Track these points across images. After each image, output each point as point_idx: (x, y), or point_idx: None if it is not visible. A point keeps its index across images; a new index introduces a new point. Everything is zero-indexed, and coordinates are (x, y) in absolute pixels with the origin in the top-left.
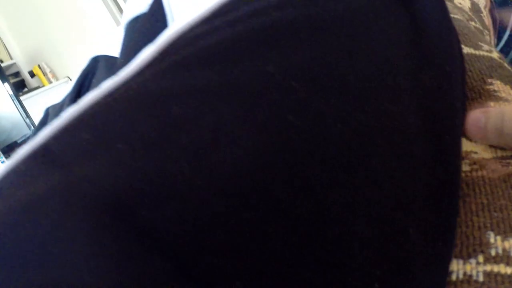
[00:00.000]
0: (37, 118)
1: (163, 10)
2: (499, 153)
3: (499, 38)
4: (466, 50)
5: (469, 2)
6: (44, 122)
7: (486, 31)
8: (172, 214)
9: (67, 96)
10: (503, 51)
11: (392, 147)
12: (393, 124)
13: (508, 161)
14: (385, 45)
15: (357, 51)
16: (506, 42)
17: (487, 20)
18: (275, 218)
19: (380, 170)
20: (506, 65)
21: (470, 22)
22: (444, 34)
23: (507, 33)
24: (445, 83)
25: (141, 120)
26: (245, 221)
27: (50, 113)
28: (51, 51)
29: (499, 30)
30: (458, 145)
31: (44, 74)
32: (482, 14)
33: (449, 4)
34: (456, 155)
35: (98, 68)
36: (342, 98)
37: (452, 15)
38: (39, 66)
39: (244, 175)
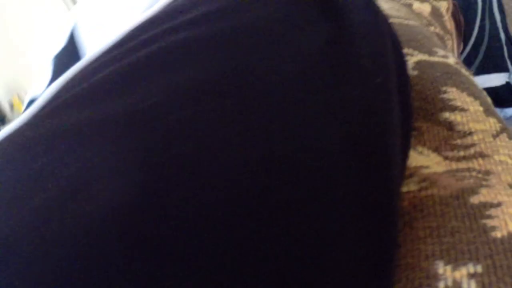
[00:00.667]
0: None
1: (75, 45)
2: (454, 165)
3: (465, 41)
4: (419, 57)
5: (429, 6)
6: None
7: (448, 36)
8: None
9: None
10: (471, 55)
11: (310, 187)
12: (309, 156)
13: (463, 174)
14: (299, 59)
15: (264, 67)
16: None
17: (449, 24)
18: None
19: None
20: (463, 71)
21: (429, 27)
22: (373, 41)
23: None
24: (374, 96)
25: (3, 175)
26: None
27: None
28: (30, 80)
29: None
30: (391, 165)
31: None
32: (443, 19)
33: (405, 10)
34: (389, 177)
35: None
36: (239, 124)
37: (405, 21)
38: (18, 96)
39: (108, 224)
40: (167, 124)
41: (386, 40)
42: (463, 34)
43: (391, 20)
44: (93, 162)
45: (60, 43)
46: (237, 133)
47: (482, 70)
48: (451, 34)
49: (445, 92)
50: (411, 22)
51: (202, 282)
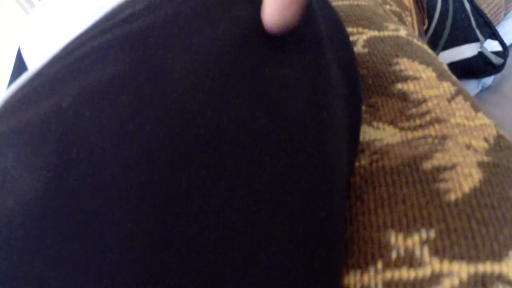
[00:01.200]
0: None
1: (24, 64)
2: (410, 135)
3: (430, 16)
4: (369, 34)
5: None
6: None
7: (406, 12)
8: None
9: None
10: (437, 30)
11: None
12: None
13: (418, 141)
14: (214, 49)
15: (170, 61)
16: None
17: (408, 0)
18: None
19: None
20: (415, 41)
21: (385, 6)
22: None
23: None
24: (303, 74)
25: None
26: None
27: None
28: None
29: None
30: (329, 162)
31: None
32: None
33: None
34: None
35: None
36: (130, 124)
37: (355, 2)
38: None
39: (18, 222)
40: (73, 125)
41: (317, 20)
42: (427, 9)
43: (339, 3)
44: (12, 164)
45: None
46: (127, 131)
47: (452, 43)
48: (409, 11)
49: (396, 63)
50: (361, 2)
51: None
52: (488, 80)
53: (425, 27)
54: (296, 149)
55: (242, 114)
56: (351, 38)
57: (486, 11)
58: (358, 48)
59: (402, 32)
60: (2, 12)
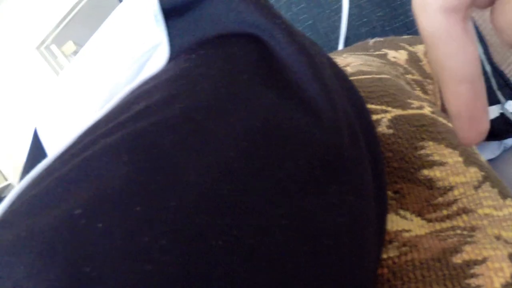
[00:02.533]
0: None
1: (41, 145)
2: (437, 226)
3: None
4: (393, 112)
5: (405, 53)
6: None
7: (428, 80)
8: None
9: None
10: None
11: None
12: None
13: (447, 233)
14: (226, 147)
15: (182, 164)
16: None
17: (429, 67)
18: None
19: None
20: (440, 119)
21: (406, 76)
22: (322, 115)
23: None
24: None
25: None
26: None
27: None
28: None
29: None
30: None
31: None
32: (421, 63)
33: (378, 62)
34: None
35: None
36: (144, 238)
37: (376, 76)
38: None
39: None
40: (86, 236)
41: (337, 112)
42: None
43: (361, 77)
44: (24, 276)
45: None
46: (141, 246)
47: None
48: (431, 78)
49: (422, 147)
50: (384, 76)
51: None
52: (510, 141)
53: None
54: (315, 251)
55: (260, 221)
56: (375, 117)
57: (506, 72)
58: (383, 128)
59: (427, 110)
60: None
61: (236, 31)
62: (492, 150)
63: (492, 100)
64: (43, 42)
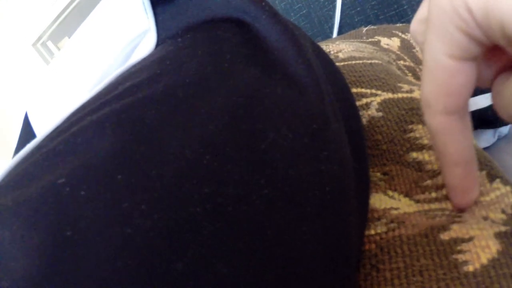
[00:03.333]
0: None
1: (31, 129)
2: (426, 206)
3: None
4: (383, 96)
5: (398, 40)
6: None
7: (421, 66)
8: None
9: None
10: None
11: None
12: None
13: (435, 213)
14: (210, 121)
15: (167, 136)
16: None
17: (422, 55)
18: None
19: None
20: None
21: (398, 62)
22: (303, 94)
23: None
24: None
25: None
26: None
27: None
28: None
29: None
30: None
31: None
32: (414, 50)
33: (371, 48)
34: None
35: None
36: (125, 202)
37: (368, 61)
38: None
39: None
40: (69, 203)
41: (322, 91)
42: None
43: (352, 63)
44: (9, 242)
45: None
46: (122, 211)
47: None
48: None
49: (411, 131)
50: (374, 61)
51: None
52: (505, 129)
53: None
54: (299, 219)
55: (240, 190)
56: (365, 100)
57: None
58: (372, 112)
59: (417, 93)
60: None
61: (222, 15)
62: (487, 138)
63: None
64: (39, 38)
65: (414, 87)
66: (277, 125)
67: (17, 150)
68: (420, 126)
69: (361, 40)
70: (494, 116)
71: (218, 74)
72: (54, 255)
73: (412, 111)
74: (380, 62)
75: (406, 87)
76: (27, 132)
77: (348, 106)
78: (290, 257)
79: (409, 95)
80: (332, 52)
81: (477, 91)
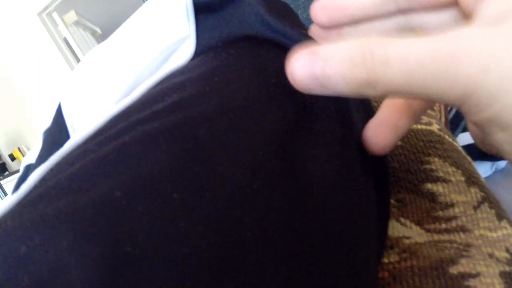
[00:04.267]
0: None
1: (63, 120)
2: (435, 236)
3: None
4: None
5: None
6: None
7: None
8: None
9: None
10: (459, 112)
11: None
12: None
13: (444, 245)
14: (252, 147)
15: (220, 155)
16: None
17: None
18: None
19: None
20: (447, 137)
21: None
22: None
23: None
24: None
25: None
26: None
27: None
28: (31, 134)
29: None
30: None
31: (24, 155)
32: None
33: None
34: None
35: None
36: (182, 220)
37: None
38: (19, 149)
39: None
40: (127, 217)
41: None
42: None
43: None
44: (64, 251)
45: (48, 120)
46: (180, 230)
47: None
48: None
49: (427, 162)
50: None
51: None
52: (502, 163)
53: (449, 108)
54: (333, 247)
55: (285, 217)
56: None
57: None
58: None
59: (435, 127)
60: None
61: (262, 35)
62: (485, 170)
63: None
64: (45, 8)
65: (432, 120)
66: (318, 156)
67: (48, 141)
68: (436, 159)
69: None
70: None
71: (265, 98)
72: (115, 269)
73: (430, 144)
74: None
75: (425, 118)
76: (59, 123)
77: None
78: (324, 281)
79: (428, 127)
80: None
81: None
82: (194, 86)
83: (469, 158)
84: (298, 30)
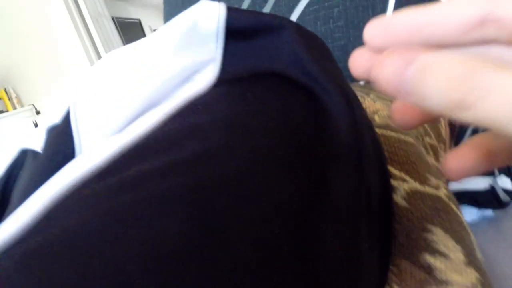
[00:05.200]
0: None
1: (70, 127)
2: None
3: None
4: (411, 184)
5: None
6: None
7: (441, 145)
8: None
9: None
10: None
11: None
12: None
13: None
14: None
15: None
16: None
17: (445, 131)
18: None
19: None
20: (453, 206)
21: (425, 138)
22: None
23: None
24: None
25: None
26: None
27: None
28: (19, 77)
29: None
30: None
31: (10, 99)
32: (439, 124)
33: None
34: None
35: (26, 160)
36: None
37: (402, 136)
38: (5, 90)
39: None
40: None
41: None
42: (456, 136)
43: (388, 133)
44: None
45: (55, 119)
46: None
47: None
48: (444, 143)
49: (430, 231)
50: (408, 139)
51: None
52: (489, 212)
53: None
54: None
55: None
56: (394, 182)
57: None
58: (398, 198)
59: (442, 192)
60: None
61: (293, 74)
62: (471, 214)
63: (488, 171)
64: None
65: (440, 183)
66: (329, 235)
67: (51, 142)
68: (439, 230)
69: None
70: (485, 199)
71: (286, 162)
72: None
73: (435, 211)
74: (412, 141)
75: (433, 180)
76: (64, 133)
77: (385, 184)
78: None
79: (435, 192)
80: (368, 111)
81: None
82: (216, 135)
83: (469, 231)
84: (331, 77)
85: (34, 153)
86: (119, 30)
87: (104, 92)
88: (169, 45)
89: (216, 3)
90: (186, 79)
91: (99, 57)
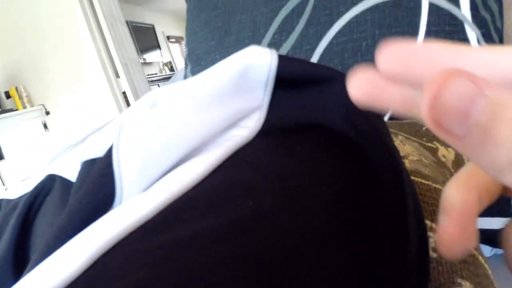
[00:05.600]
0: (4, 141)
1: (111, 168)
2: None
3: None
4: None
5: (453, 153)
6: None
7: None
8: None
9: (22, 199)
10: None
11: None
12: None
13: None
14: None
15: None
16: None
17: None
18: None
19: None
20: (480, 259)
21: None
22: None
23: None
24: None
25: None
26: None
27: (2, 208)
28: (31, 76)
29: None
30: None
31: (20, 97)
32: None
33: (432, 159)
34: None
35: (54, 187)
36: None
37: (433, 184)
38: (16, 88)
39: None
40: None
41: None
42: None
43: (419, 180)
44: None
45: (97, 152)
46: None
47: (487, 212)
48: None
49: (459, 285)
50: (438, 187)
51: None
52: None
53: None
54: None
55: None
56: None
57: None
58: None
59: None
60: None
61: (340, 129)
62: (484, 251)
63: (506, 213)
64: None
65: None
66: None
67: (89, 179)
68: (467, 283)
69: (421, 142)
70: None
71: (344, 225)
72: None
73: (464, 265)
74: (442, 189)
75: None
76: (106, 174)
77: (422, 233)
78: None
79: None
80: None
81: (496, 214)
82: (267, 196)
83: (496, 285)
84: (380, 135)
85: (63, 180)
86: (132, 34)
87: (148, 136)
88: (217, 90)
89: (268, 50)
90: (231, 125)
91: (111, 59)
